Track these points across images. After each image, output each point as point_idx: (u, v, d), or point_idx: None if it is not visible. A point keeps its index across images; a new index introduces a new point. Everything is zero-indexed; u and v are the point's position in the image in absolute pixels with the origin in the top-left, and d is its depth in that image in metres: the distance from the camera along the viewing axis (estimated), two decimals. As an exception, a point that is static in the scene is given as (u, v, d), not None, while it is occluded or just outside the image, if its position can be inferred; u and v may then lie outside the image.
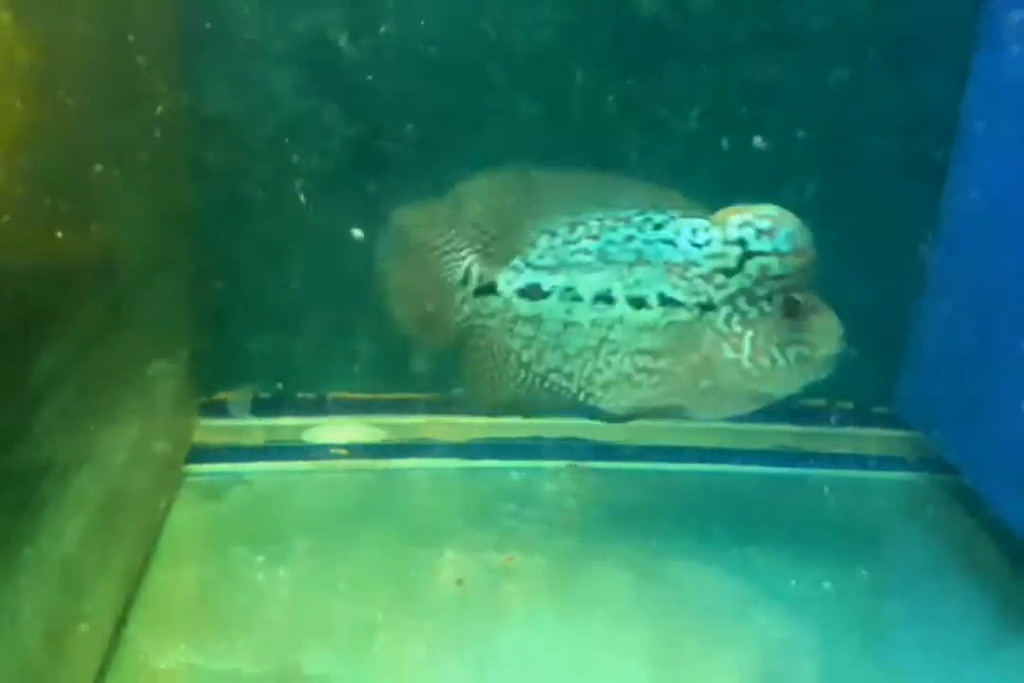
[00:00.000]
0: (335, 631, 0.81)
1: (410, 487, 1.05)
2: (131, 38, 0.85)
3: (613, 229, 0.80)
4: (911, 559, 0.98)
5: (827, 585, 0.90)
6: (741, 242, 0.78)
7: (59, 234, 0.69)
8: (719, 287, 0.79)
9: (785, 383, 0.81)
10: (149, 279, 0.92)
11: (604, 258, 0.81)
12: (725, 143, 1.06)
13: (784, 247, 0.78)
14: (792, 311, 0.79)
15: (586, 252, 0.81)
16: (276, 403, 1.14)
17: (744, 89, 1.06)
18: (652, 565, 0.92)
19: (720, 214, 0.79)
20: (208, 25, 1.00)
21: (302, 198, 1.08)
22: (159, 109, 0.93)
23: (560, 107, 1.07)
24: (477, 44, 1.05)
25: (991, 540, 0.97)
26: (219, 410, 1.12)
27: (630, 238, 0.80)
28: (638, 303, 0.80)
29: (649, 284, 0.80)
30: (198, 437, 1.08)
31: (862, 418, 1.17)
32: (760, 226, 0.78)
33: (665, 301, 0.80)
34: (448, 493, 1.03)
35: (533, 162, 1.06)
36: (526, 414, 0.93)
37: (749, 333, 0.79)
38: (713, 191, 0.85)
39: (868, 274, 1.11)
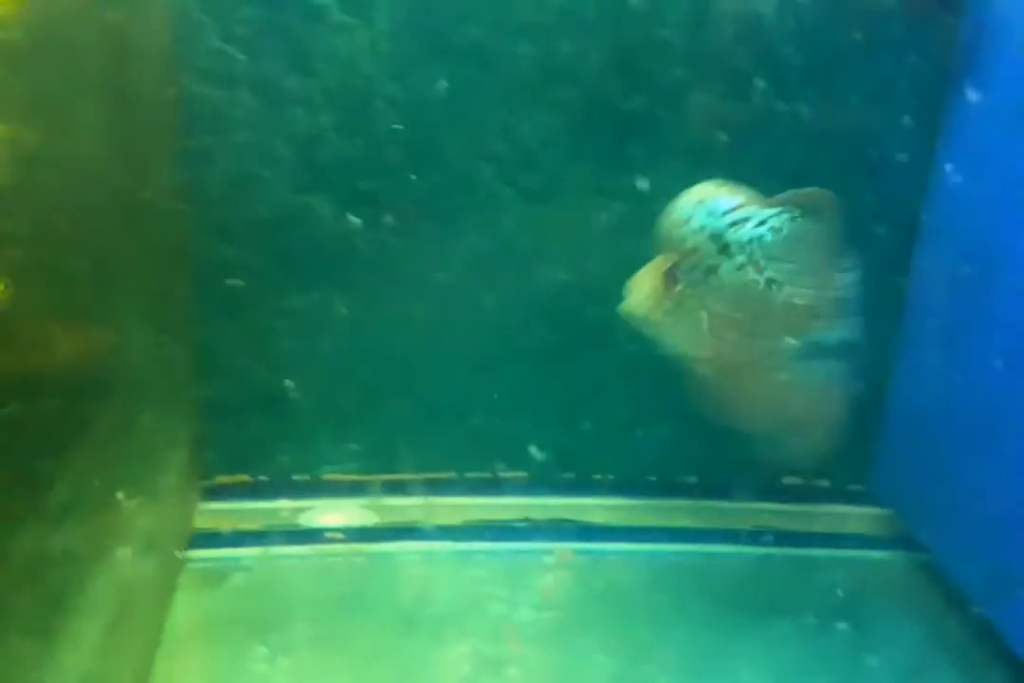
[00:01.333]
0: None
1: (404, 572, 1.08)
2: (132, 131, 0.89)
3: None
4: (885, 638, 1.02)
5: (804, 666, 0.94)
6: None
7: (69, 335, 0.73)
8: None
9: None
10: (153, 374, 0.96)
11: None
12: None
13: None
14: None
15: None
16: (273, 486, 1.17)
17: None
18: (638, 651, 0.95)
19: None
20: (208, 125, 1.06)
21: (292, 291, 1.13)
22: (158, 205, 0.98)
23: (557, 195, 1.12)
24: (473, 138, 1.11)
25: (961, 618, 1.01)
26: (217, 494, 1.15)
27: None
28: None
29: None
30: (197, 522, 1.11)
31: (838, 496, 1.22)
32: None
33: None
34: (441, 578, 1.06)
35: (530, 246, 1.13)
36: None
37: None
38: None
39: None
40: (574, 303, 1.16)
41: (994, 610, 0.96)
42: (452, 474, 1.21)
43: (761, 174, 1.12)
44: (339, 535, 1.12)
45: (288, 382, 1.15)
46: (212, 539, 1.10)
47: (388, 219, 1.11)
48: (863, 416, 1.20)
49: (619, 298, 1.12)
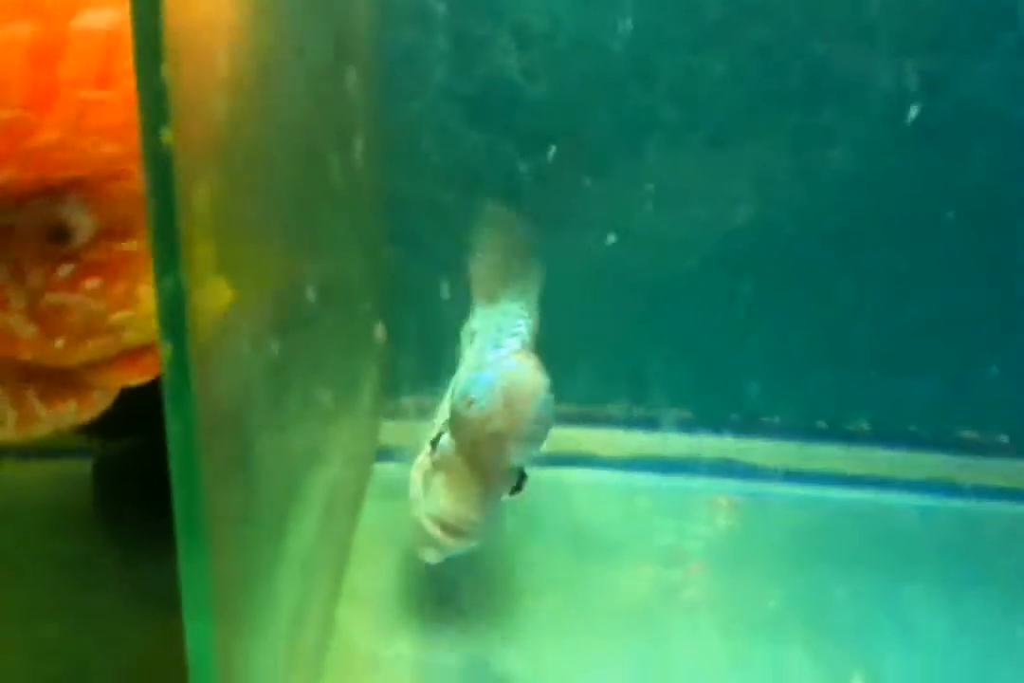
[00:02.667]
0: (518, 632, 0.90)
1: (572, 498, 1.12)
2: (344, 79, 0.94)
3: None
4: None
5: (973, 619, 0.94)
6: None
7: (297, 264, 0.79)
8: None
9: None
10: (356, 300, 1.02)
11: None
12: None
13: None
14: None
15: None
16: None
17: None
18: (809, 585, 0.97)
19: None
20: (402, 67, 1.10)
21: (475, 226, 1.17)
22: (363, 143, 1.03)
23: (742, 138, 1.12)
24: (657, 79, 1.11)
25: None
26: (401, 415, 1.22)
27: None
28: None
29: None
30: (383, 439, 1.18)
31: (1017, 451, 1.19)
32: None
33: None
34: (609, 507, 1.10)
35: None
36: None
37: None
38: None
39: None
40: (753, 247, 1.16)
41: None
42: (619, 409, 1.24)
43: (958, 115, 1.10)
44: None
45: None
46: (397, 455, 1.16)
47: (570, 159, 1.13)
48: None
49: (796, 240, 1.13)
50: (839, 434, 1.21)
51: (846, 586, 0.97)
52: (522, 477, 0.74)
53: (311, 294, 0.79)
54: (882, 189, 1.13)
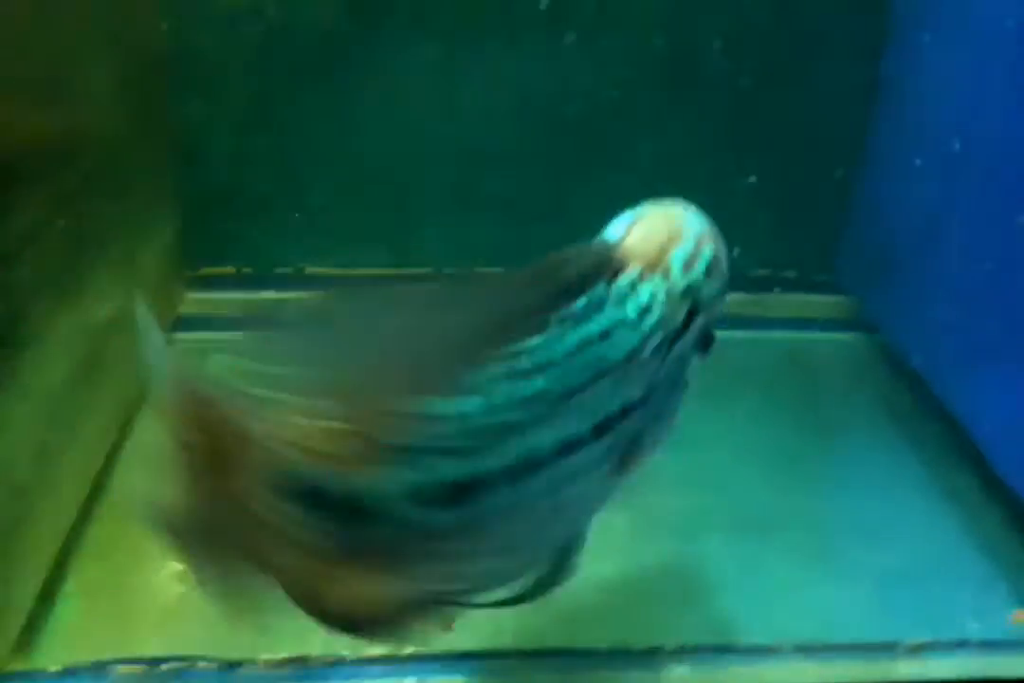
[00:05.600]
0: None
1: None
2: None
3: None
4: (838, 405, 1.08)
5: (735, 427, 1.00)
6: (691, 292, 0.47)
7: (24, 102, 0.76)
8: (662, 363, 0.49)
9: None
10: (126, 151, 0.99)
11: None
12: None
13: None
14: None
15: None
16: (257, 279, 1.22)
17: None
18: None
19: (638, 240, 0.48)
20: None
21: (274, 86, 1.14)
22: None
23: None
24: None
25: (909, 389, 1.07)
26: (203, 284, 1.21)
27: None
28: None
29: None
30: (184, 309, 1.18)
31: (805, 285, 1.24)
32: (707, 256, 0.49)
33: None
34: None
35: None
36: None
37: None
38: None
39: (809, 150, 1.17)
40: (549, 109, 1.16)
41: (936, 381, 1.01)
42: (429, 270, 1.25)
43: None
44: (317, 321, 1.18)
45: (274, 175, 1.18)
46: (197, 324, 1.15)
47: (368, 24, 1.11)
48: (831, 212, 1.22)
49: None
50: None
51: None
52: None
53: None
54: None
